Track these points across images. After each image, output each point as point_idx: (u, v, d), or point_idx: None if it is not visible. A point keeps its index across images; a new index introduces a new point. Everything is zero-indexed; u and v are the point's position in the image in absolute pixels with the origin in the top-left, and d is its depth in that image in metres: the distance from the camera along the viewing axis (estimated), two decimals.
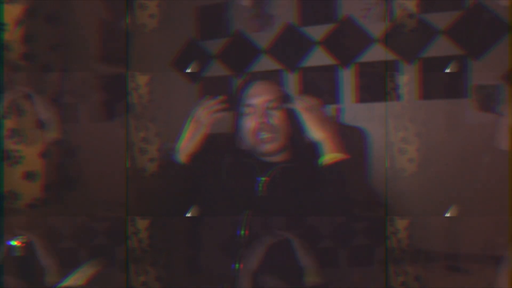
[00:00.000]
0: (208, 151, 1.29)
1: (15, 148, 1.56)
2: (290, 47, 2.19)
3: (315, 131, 1.19)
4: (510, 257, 1.37)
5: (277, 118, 1.25)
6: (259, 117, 1.24)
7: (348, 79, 2.11)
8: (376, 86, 2.07)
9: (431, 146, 1.98)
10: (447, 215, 1.86)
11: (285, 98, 1.29)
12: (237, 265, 1.16)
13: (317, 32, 2.14)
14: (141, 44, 2.30)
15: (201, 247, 1.26)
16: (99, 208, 1.89)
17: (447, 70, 1.95)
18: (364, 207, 1.21)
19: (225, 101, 1.27)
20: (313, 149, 1.22)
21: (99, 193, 1.97)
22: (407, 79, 2.01)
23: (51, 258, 1.28)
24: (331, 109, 2.12)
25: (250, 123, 1.26)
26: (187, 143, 1.26)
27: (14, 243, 1.28)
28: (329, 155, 1.17)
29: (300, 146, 1.29)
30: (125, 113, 2.21)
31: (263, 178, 1.26)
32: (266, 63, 2.23)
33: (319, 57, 2.15)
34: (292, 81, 2.18)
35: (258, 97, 1.26)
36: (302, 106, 1.21)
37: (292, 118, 1.26)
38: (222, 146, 1.36)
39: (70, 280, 1.28)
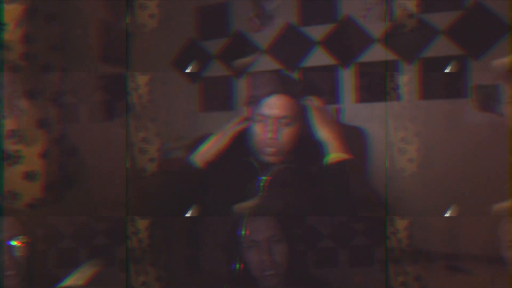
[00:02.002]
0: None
1: (15, 148, 1.56)
2: (291, 47, 2.19)
3: (322, 131, 1.21)
4: (510, 257, 1.37)
5: (286, 135, 1.24)
6: (269, 131, 1.23)
7: (348, 79, 2.11)
8: (376, 86, 2.07)
9: (431, 146, 1.98)
10: (447, 215, 1.86)
11: (301, 113, 1.28)
12: (237, 265, 1.16)
13: (317, 32, 2.14)
14: (141, 44, 2.30)
15: (201, 247, 1.26)
16: (99, 208, 1.89)
17: (447, 70, 1.95)
18: (365, 207, 1.21)
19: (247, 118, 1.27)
20: (314, 149, 1.22)
21: (99, 193, 1.97)
22: (407, 79, 2.01)
23: None
24: (331, 109, 2.12)
25: (258, 132, 1.25)
26: (206, 150, 1.26)
27: (14, 243, 1.28)
28: (334, 154, 1.18)
29: (301, 147, 1.29)
30: (125, 113, 2.21)
31: (264, 178, 1.26)
32: (266, 63, 2.23)
33: (319, 57, 2.15)
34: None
35: (274, 110, 1.24)
36: (313, 105, 1.22)
37: (303, 119, 1.26)
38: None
39: (70, 280, 1.28)
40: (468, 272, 1.82)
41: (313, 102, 1.24)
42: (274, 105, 1.24)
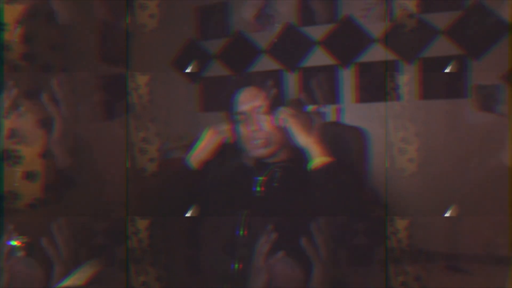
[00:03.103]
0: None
1: (15, 148, 1.56)
2: (290, 47, 2.19)
3: (301, 137, 1.21)
4: (510, 257, 1.37)
5: (268, 122, 1.25)
6: (251, 124, 1.24)
7: (348, 79, 2.11)
8: (376, 86, 2.07)
9: (431, 146, 1.98)
10: (447, 215, 1.86)
11: (274, 103, 1.28)
12: (236, 265, 1.16)
13: (317, 32, 2.14)
14: (141, 44, 2.30)
15: (201, 247, 1.27)
16: (99, 208, 1.89)
17: (447, 70, 1.95)
18: (364, 207, 1.21)
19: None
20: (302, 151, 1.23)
21: (99, 193, 1.97)
22: (407, 79, 2.01)
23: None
24: (331, 109, 2.12)
25: (243, 130, 1.26)
26: (201, 151, 1.27)
27: (14, 243, 1.28)
28: (317, 159, 1.18)
29: (297, 146, 1.29)
30: (125, 113, 2.21)
31: (260, 178, 1.26)
32: (266, 63, 2.23)
33: (319, 57, 2.15)
34: (292, 81, 2.18)
35: (247, 104, 1.26)
36: (287, 113, 1.23)
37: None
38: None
39: (70, 280, 1.28)
40: (468, 272, 1.82)
41: (286, 111, 1.24)
42: (246, 99, 1.26)
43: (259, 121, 1.24)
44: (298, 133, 1.22)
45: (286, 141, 1.26)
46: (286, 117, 1.23)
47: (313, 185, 1.18)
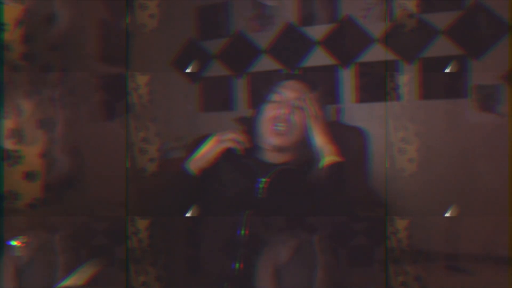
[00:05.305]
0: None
1: (15, 148, 1.56)
2: (290, 47, 2.19)
3: (318, 137, 1.22)
4: (510, 257, 1.37)
5: (298, 116, 1.26)
6: (282, 107, 1.25)
7: (348, 79, 2.11)
8: (376, 86, 2.07)
9: (431, 146, 1.98)
10: (447, 215, 1.86)
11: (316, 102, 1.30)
12: (237, 265, 1.16)
13: (317, 32, 2.14)
14: (141, 44, 2.30)
15: (201, 247, 1.27)
16: (99, 208, 1.89)
17: (447, 70, 1.95)
18: (364, 207, 1.21)
19: (247, 139, 1.27)
20: (314, 152, 1.23)
21: (99, 193, 1.97)
22: (407, 79, 2.01)
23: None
24: (331, 109, 2.12)
25: (270, 112, 1.27)
26: (200, 158, 1.26)
27: (14, 243, 1.28)
28: (327, 158, 1.19)
29: (301, 149, 1.29)
30: (125, 113, 2.21)
31: (263, 179, 1.26)
32: (266, 63, 2.23)
33: (319, 57, 2.15)
34: None
35: (291, 91, 1.28)
36: (311, 112, 1.24)
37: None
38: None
39: (70, 280, 1.28)
40: (468, 272, 1.82)
41: (310, 108, 1.25)
42: (293, 87, 1.28)
43: (291, 109, 1.25)
44: (317, 132, 1.23)
45: (302, 141, 1.27)
46: (308, 115, 1.24)
47: (316, 184, 1.18)
